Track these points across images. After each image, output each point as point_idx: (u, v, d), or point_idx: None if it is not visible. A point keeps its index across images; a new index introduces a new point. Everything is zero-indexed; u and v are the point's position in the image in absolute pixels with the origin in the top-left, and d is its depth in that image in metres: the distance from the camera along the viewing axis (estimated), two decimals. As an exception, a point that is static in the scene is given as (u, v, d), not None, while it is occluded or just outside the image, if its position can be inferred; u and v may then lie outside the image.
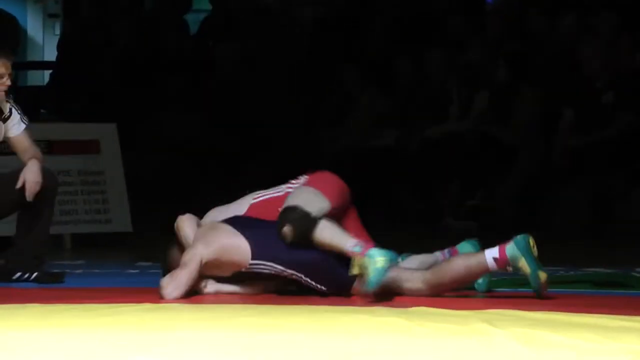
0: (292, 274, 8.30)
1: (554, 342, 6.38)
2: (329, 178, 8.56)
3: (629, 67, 13.85)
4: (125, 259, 11.58)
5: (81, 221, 12.54)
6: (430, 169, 14.11)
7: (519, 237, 8.13)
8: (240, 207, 8.72)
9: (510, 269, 8.19)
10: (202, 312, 7.93)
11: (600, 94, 13.68)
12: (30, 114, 12.64)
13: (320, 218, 8.12)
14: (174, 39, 15.66)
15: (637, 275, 9.48)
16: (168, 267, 8.64)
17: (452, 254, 8.54)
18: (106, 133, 12.34)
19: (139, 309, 7.93)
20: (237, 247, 8.34)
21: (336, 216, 8.36)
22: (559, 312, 7.51)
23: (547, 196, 13.76)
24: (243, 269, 8.39)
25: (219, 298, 8.51)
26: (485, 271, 8.27)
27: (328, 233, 8.11)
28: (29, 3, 18.75)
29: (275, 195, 8.62)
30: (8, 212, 9.71)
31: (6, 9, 15.23)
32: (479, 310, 7.60)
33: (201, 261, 8.35)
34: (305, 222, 8.13)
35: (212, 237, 8.41)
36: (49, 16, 18.61)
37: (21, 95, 13.50)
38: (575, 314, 7.44)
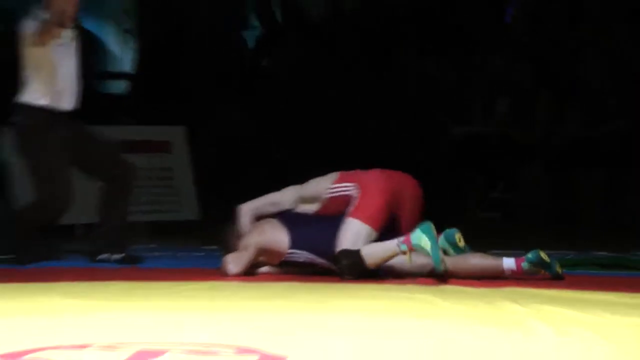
0: (324, 262, 8.41)
1: (567, 317, 6.45)
2: (375, 192, 8.59)
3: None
4: (193, 244, 11.64)
5: (155, 211, 12.64)
6: (457, 166, 14.10)
7: (531, 255, 8.23)
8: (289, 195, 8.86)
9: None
10: (259, 290, 7.98)
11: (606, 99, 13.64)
12: (111, 118, 12.76)
13: (362, 252, 8.25)
14: (235, 53, 15.67)
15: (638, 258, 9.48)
16: (225, 248, 8.87)
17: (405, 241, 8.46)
18: (176, 134, 12.44)
19: (206, 287, 8.04)
20: (279, 239, 8.67)
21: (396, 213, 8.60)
22: (570, 290, 7.57)
23: (560, 188, 13.73)
24: (284, 258, 8.63)
25: (268, 277, 8.65)
26: (500, 276, 8.32)
27: (374, 258, 8.23)
28: (108, 21, 18.85)
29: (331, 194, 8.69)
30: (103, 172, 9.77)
31: (89, 27, 15.30)
32: (499, 288, 7.64)
33: (256, 247, 8.50)
34: (355, 267, 8.29)
35: (265, 229, 8.75)
36: (125, 31, 18.70)
37: (102, 102, 13.63)
38: (585, 291, 7.50)
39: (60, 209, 9.59)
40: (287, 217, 8.77)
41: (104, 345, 5.59)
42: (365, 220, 8.45)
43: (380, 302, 7.24)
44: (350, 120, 14.91)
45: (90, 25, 15.68)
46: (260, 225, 8.82)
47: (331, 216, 8.64)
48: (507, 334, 5.95)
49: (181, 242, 11.99)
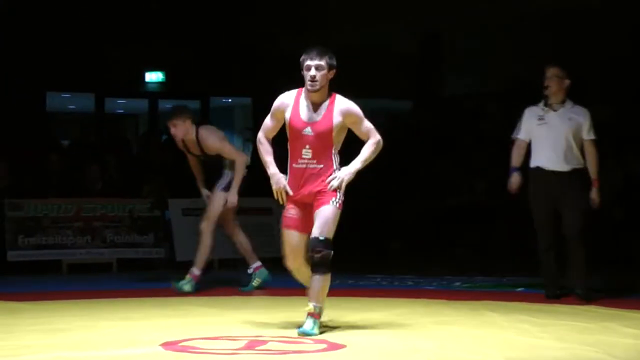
0: None
1: (524, 320, 6.39)
2: None
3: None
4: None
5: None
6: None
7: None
8: None
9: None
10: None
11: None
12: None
13: None
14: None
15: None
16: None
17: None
18: (275, 203, 12.13)
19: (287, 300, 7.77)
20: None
21: None
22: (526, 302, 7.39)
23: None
24: None
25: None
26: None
27: None
28: (235, 133, 18.93)
29: None
30: None
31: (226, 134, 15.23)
32: (477, 301, 7.48)
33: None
34: None
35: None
36: (245, 140, 18.83)
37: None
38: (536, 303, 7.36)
39: None
40: None
41: (229, 336, 5.60)
42: None
43: (398, 309, 6.95)
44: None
45: (229, 135, 15.67)
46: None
47: None
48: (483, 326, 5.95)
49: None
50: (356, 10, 14.30)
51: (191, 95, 16.40)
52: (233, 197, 8.16)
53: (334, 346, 5.29)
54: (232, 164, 8.21)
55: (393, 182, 13.45)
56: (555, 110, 7.41)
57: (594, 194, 7.30)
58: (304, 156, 5.60)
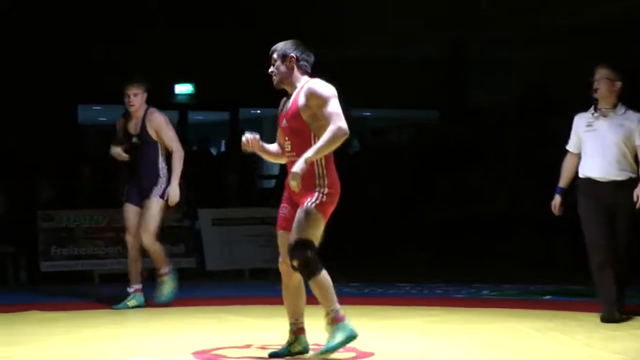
0: None
1: (551, 327, 6.34)
2: None
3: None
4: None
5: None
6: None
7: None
8: None
9: None
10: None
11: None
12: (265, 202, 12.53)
13: None
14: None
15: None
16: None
17: None
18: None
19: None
20: None
21: None
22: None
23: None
24: None
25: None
26: None
27: None
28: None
29: None
30: None
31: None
32: (505, 309, 7.44)
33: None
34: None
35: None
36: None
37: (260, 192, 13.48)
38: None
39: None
40: None
41: (260, 345, 5.60)
42: None
43: (427, 317, 6.91)
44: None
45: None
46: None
47: None
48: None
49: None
50: (382, 21, 14.33)
51: (220, 106, 16.46)
52: (174, 192, 7.40)
53: (362, 354, 5.28)
54: (168, 173, 7.56)
55: (419, 191, 13.42)
56: (605, 117, 6.72)
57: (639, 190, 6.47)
58: (286, 149, 5.18)
